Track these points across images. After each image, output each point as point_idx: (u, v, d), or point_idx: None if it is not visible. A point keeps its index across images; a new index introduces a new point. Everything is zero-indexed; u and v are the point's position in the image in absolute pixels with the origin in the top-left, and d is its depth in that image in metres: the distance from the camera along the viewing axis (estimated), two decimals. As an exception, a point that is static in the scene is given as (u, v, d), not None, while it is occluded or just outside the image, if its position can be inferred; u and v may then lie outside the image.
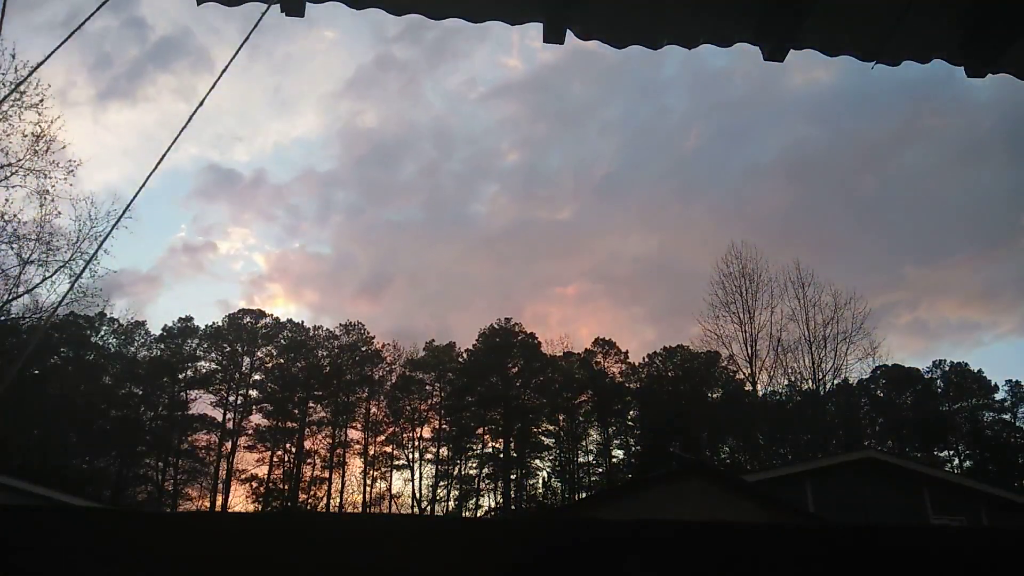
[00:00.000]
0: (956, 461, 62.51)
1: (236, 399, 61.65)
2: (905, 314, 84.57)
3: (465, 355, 66.60)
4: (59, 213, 26.77)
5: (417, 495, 59.86)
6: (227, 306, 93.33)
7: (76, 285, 25.71)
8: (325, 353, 65.36)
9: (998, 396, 63.96)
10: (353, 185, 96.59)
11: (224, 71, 2.79)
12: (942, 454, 62.74)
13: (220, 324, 63.77)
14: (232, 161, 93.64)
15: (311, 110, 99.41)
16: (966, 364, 65.53)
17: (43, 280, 26.39)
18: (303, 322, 67.27)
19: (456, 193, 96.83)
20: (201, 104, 2.89)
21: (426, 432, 63.73)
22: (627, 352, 67.80)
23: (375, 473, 62.19)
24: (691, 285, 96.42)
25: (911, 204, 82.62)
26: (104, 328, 57.38)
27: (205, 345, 63.14)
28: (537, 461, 63.87)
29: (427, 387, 64.95)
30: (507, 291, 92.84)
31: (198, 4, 2.24)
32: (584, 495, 57.26)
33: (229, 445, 59.37)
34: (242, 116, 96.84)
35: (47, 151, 25.23)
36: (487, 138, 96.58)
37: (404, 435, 62.75)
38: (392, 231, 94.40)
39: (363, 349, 65.66)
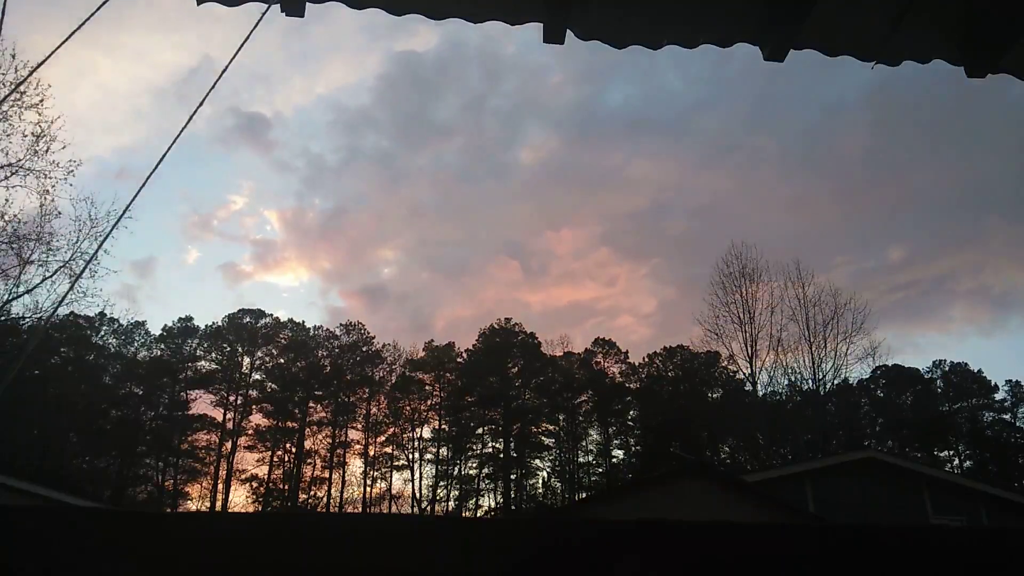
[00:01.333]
0: (956, 461, 62.53)
1: (236, 399, 61.68)
2: (968, 280, 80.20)
3: (465, 355, 66.62)
4: (59, 213, 26.77)
5: (417, 495, 59.88)
6: (236, 273, 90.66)
7: (76, 285, 25.69)
8: (325, 353, 65.38)
9: (998, 396, 64.02)
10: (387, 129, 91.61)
11: (224, 71, 2.79)
12: (942, 454, 62.77)
13: (220, 324, 63.83)
14: (255, 103, 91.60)
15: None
16: (966, 364, 65.62)
17: (43, 280, 26.40)
18: (303, 322, 67.40)
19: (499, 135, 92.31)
20: (201, 104, 2.89)
21: (426, 432, 63.84)
22: (627, 352, 67.93)
23: (375, 473, 62.26)
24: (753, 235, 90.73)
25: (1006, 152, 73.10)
26: (104, 328, 57.41)
27: (205, 345, 63.18)
28: (537, 461, 63.90)
29: (427, 387, 64.97)
30: (550, 240, 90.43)
31: (198, 4, 2.24)
32: (584, 495, 57.27)
33: (229, 445, 59.40)
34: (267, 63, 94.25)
35: (47, 151, 25.22)
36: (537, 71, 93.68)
37: (404, 435, 62.77)
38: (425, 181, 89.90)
39: (363, 349, 65.68)
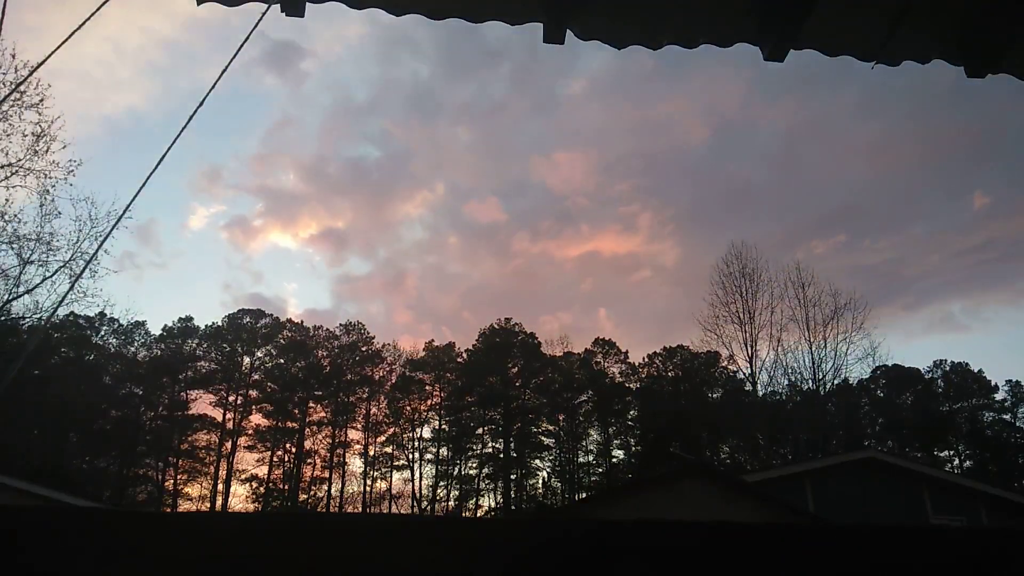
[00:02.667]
0: (956, 461, 62.55)
1: (236, 399, 61.67)
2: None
3: (465, 355, 66.62)
4: (59, 213, 26.78)
5: (417, 495, 59.87)
6: (248, 227, 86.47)
7: (76, 285, 25.69)
8: (325, 353, 65.37)
9: (998, 396, 64.06)
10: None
11: (224, 71, 2.79)
12: (942, 454, 62.79)
13: (220, 324, 63.85)
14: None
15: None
16: (966, 364, 65.64)
17: (43, 280, 26.40)
18: (303, 322, 67.40)
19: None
20: (201, 104, 2.90)
21: (426, 432, 63.84)
22: (627, 352, 67.94)
23: (375, 473, 62.26)
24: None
25: None
26: (104, 328, 57.42)
27: (205, 345, 63.18)
28: (537, 461, 63.90)
29: (427, 387, 64.97)
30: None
31: (198, 4, 2.24)
32: (584, 495, 57.27)
33: (229, 445, 59.41)
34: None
35: (47, 151, 25.21)
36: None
37: (404, 435, 62.77)
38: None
39: (363, 349, 65.69)
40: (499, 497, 62.32)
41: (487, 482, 63.03)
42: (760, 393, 44.27)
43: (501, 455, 62.33)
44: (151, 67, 79.62)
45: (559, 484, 63.20)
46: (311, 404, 62.97)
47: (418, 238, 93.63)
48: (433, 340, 66.90)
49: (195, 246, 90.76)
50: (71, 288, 28.93)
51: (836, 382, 44.74)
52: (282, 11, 2.30)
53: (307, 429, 61.95)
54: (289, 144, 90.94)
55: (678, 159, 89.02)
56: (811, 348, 42.52)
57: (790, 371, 43.11)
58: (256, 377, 63.26)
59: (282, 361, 63.92)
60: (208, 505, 57.24)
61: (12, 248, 25.86)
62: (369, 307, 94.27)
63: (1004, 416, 63.60)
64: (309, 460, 61.58)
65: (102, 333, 57.98)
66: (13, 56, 23.82)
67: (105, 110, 78.57)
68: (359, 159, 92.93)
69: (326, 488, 60.60)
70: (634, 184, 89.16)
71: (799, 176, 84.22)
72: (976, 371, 64.96)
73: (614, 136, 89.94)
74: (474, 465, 62.88)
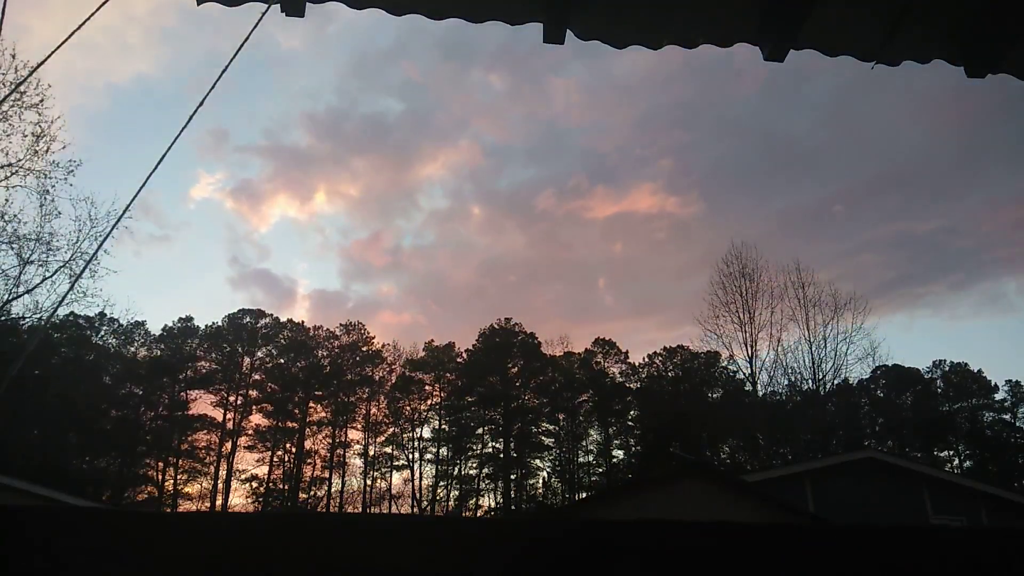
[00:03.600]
0: (956, 461, 62.54)
1: (236, 399, 61.66)
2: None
3: (465, 355, 66.61)
4: (59, 213, 26.77)
5: (417, 495, 59.86)
6: (256, 194, 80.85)
7: (76, 285, 25.68)
8: (325, 353, 65.38)
9: (998, 396, 64.05)
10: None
11: (224, 71, 2.79)
12: (942, 454, 62.79)
13: (220, 324, 63.83)
14: None
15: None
16: (966, 364, 65.64)
17: (43, 280, 26.39)
18: (303, 322, 67.39)
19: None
20: (201, 104, 2.89)
21: (426, 432, 63.84)
22: (627, 352, 67.93)
23: (375, 473, 62.25)
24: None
25: None
26: (104, 328, 57.40)
27: (205, 345, 63.16)
28: (537, 461, 63.90)
29: (427, 387, 64.98)
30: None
31: (198, 4, 2.24)
32: (584, 495, 57.26)
33: (229, 445, 59.40)
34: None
35: (47, 151, 25.21)
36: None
37: (404, 435, 62.76)
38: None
39: (363, 349, 65.69)
40: (499, 497, 62.33)
41: (487, 482, 63.04)
42: (760, 393, 44.27)
43: (501, 455, 62.33)
44: (162, 33, 76.63)
45: (559, 484, 63.20)
46: (311, 404, 62.97)
47: (438, 207, 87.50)
48: (433, 340, 66.98)
49: (200, 216, 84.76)
50: (71, 288, 28.94)
51: (836, 382, 44.76)
52: (282, 11, 2.30)
53: (307, 429, 61.95)
54: (302, 98, 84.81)
55: (723, 113, 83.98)
56: (811, 348, 42.54)
57: (790, 371, 43.13)
58: (256, 377, 63.26)
59: (282, 361, 63.92)
60: (208, 505, 57.25)
61: (12, 248, 25.87)
62: (381, 286, 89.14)
63: (1004, 416, 63.60)
64: (309, 460, 61.60)
65: (102, 333, 57.98)
66: (13, 56, 23.81)
67: (114, 78, 75.77)
68: (379, 115, 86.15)
69: (326, 488, 60.64)
70: (674, 139, 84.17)
71: (851, 135, 77.63)
72: (976, 371, 65.02)
73: (656, 86, 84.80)
74: (474, 465, 62.88)
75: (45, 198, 25.84)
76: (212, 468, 58.91)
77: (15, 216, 25.74)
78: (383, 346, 66.22)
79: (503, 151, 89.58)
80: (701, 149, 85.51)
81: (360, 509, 58.15)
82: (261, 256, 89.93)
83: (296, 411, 62.08)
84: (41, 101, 24.80)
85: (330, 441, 62.17)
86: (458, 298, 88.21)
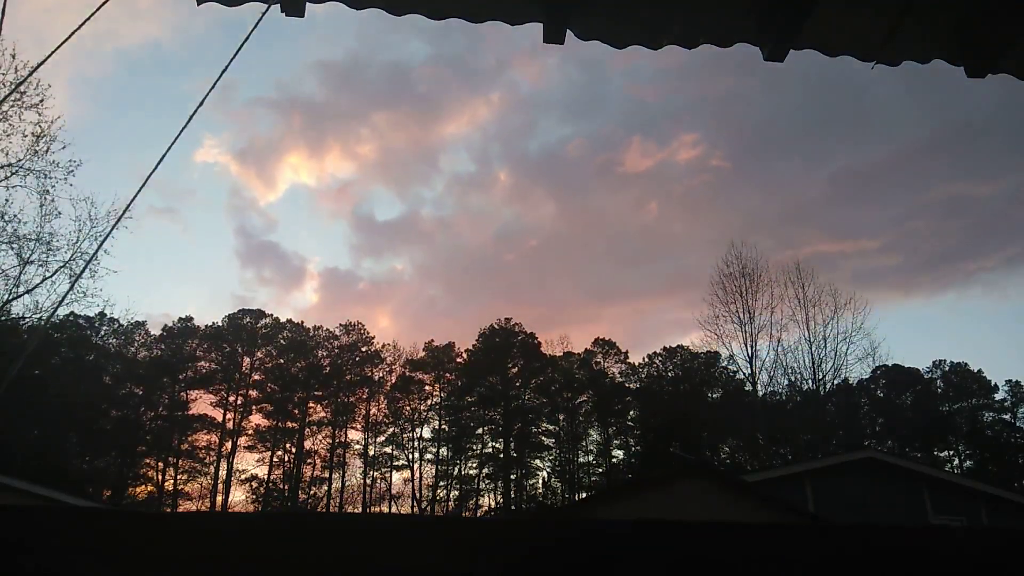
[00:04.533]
0: (956, 461, 62.53)
1: (236, 399, 61.68)
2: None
3: (465, 355, 66.63)
4: (59, 213, 26.77)
5: (417, 495, 59.87)
6: (264, 158, 74.37)
7: (76, 285, 25.68)
8: (325, 353, 65.40)
9: (998, 396, 64.04)
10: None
11: (224, 71, 2.79)
12: (942, 454, 62.78)
13: (220, 324, 63.86)
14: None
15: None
16: (966, 364, 65.64)
17: (43, 280, 26.39)
18: (303, 322, 67.41)
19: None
20: (201, 104, 2.90)
21: (426, 432, 63.85)
22: (627, 352, 67.94)
23: (375, 473, 62.26)
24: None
25: None
26: (104, 328, 57.40)
27: (205, 345, 63.17)
28: (537, 461, 63.91)
29: (427, 387, 65.00)
30: None
31: (198, 4, 2.24)
32: (584, 495, 57.25)
33: (229, 445, 59.42)
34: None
35: (47, 151, 25.20)
36: None
37: (404, 435, 62.78)
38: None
39: (363, 349, 65.71)
40: (499, 497, 62.33)
41: (487, 482, 63.05)
42: (760, 393, 44.28)
43: (501, 455, 62.33)
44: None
45: (559, 484, 63.21)
46: (311, 404, 62.99)
47: (461, 171, 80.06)
48: (433, 340, 67.00)
49: (204, 183, 78.59)
50: (71, 288, 28.93)
51: (836, 382, 44.78)
52: (282, 11, 2.30)
53: (307, 429, 61.97)
54: (319, 44, 77.08)
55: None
56: (811, 348, 42.55)
57: (790, 371, 43.15)
58: (256, 377, 63.28)
59: (282, 361, 63.92)
60: (208, 505, 57.25)
61: (12, 248, 25.87)
62: (395, 264, 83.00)
63: (1004, 416, 63.60)
64: (309, 460, 61.62)
65: (102, 333, 57.97)
66: (13, 56, 23.81)
67: (121, 43, 71.46)
68: (403, 62, 78.53)
69: (326, 488, 60.64)
70: (722, 86, 77.86)
71: (915, 88, 69.47)
72: (976, 371, 65.02)
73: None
74: (474, 465, 62.89)
75: (45, 198, 25.85)
76: (212, 468, 58.95)
77: (15, 216, 25.78)
78: (383, 346, 66.33)
79: (538, 103, 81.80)
80: (751, 101, 79.79)
81: (360, 509, 58.15)
82: (268, 227, 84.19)
83: (296, 411, 62.10)
84: (41, 101, 24.82)
85: (330, 441, 62.21)
86: (477, 275, 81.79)
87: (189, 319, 63.70)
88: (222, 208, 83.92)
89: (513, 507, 59.57)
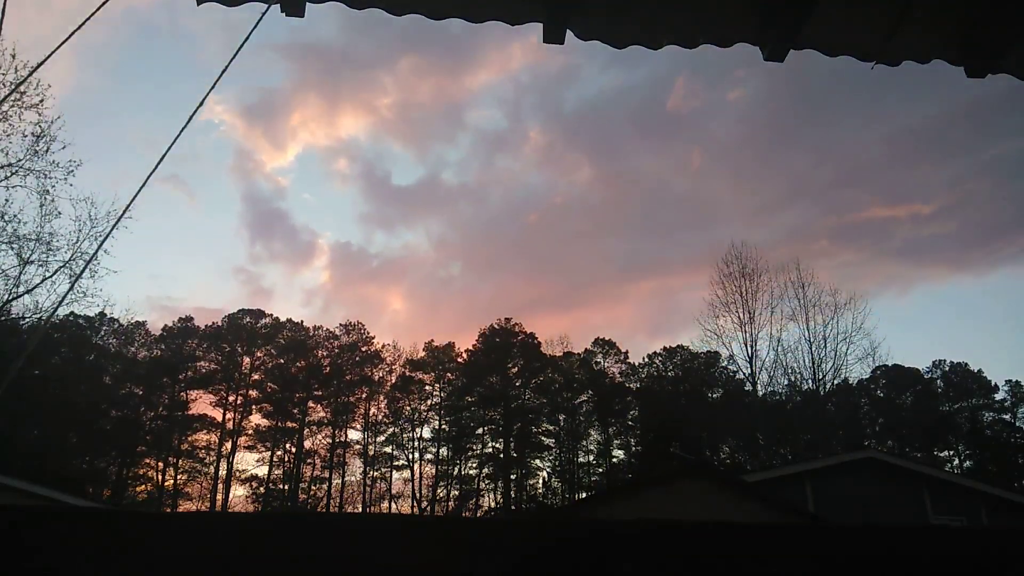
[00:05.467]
0: (956, 461, 62.53)
1: (236, 399, 61.67)
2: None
3: (465, 355, 66.63)
4: (59, 213, 26.78)
5: (417, 495, 59.87)
6: (269, 107, 70.64)
7: (76, 285, 25.69)
8: (325, 353, 65.39)
9: (998, 396, 64.03)
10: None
11: (224, 72, 2.79)
12: (942, 454, 62.77)
13: (220, 324, 63.86)
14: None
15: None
16: (966, 364, 65.62)
17: (43, 280, 26.40)
18: (303, 322, 67.41)
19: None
20: (201, 104, 2.89)
21: (426, 432, 63.85)
22: (627, 352, 67.93)
23: (375, 473, 62.24)
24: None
25: None
26: (104, 328, 57.38)
27: (205, 345, 63.15)
28: (537, 461, 63.88)
29: (427, 387, 64.99)
30: None
31: (198, 4, 2.24)
32: (584, 495, 57.24)
33: (229, 445, 59.41)
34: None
35: (47, 151, 25.21)
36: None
37: (404, 435, 62.78)
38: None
39: (363, 349, 65.70)
40: (499, 497, 62.30)
41: (487, 482, 63.02)
42: (760, 393, 44.30)
43: (501, 455, 62.31)
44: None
45: (559, 484, 63.20)
46: (311, 404, 62.98)
47: (487, 128, 73.38)
48: (433, 340, 67.00)
49: (209, 146, 75.13)
50: (71, 288, 28.94)
51: (836, 382, 44.80)
52: (282, 11, 2.30)
53: (307, 429, 61.96)
54: None
55: None
56: (811, 348, 42.57)
57: (790, 371, 43.17)
58: (256, 377, 63.27)
59: (282, 361, 63.91)
60: (208, 505, 57.24)
61: (12, 248, 25.88)
62: (409, 236, 77.25)
63: (1004, 416, 63.59)
64: (309, 460, 61.59)
65: (102, 333, 57.95)
66: (13, 56, 23.81)
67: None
68: None
69: (326, 488, 60.62)
70: None
71: None
72: (976, 371, 65.01)
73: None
74: (474, 465, 62.88)
75: (45, 198, 25.86)
76: (212, 468, 58.94)
77: (15, 216, 25.79)
78: (383, 346, 66.34)
79: (579, 45, 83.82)
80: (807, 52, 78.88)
81: (360, 509, 58.15)
82: (277, 195, 79.15)
83: (296, 411, 62.09)
84: (41, 101, 24.82)
85: (330, 441, 62.19)
86: (499, 247, 75.64)
87: (189, 319, 63.78)
88: (227, 172, 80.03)
89: (513, 507, 59.56)
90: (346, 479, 61.72)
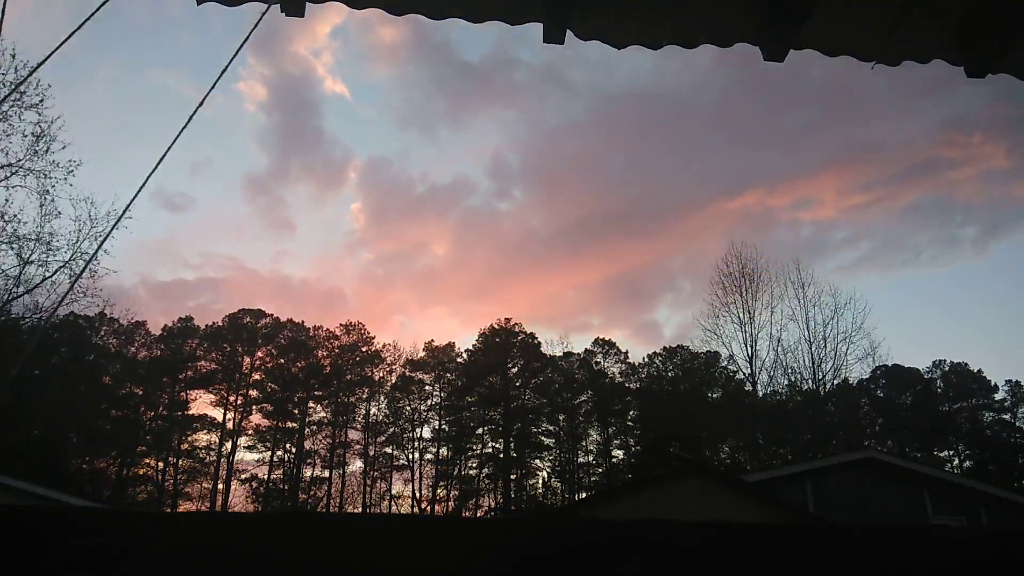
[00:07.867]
0: (956, 461, 62.55)
1: (236, 399, 61.67)
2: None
3: (465, 355, 66.66)
4: (59, 213, 26.80)
5: (417, 495, 59.89)
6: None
7: (76, 285, 25.68)
8: (325, 353, 65.41)
9: (998, 396, 64.06)
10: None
11: (223, 72, 2.79)
12: (942, 454, 62.79)
13: (220, 324, 63.86)
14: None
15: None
16: (966, 364, 65.65)
17: (43, 280, 26.40)
18: (303, 322, 67.41)
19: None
20: (201, 104, 2.89)
21: (426, 432, 63.87)
22: (627, 352, 67.93)
23: (375, 473, 62.26)
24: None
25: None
26: (104, 328, 57.37)
27: (205, 345, 63.17)
28: (537, 461, 63.91)
29: (427, 387, 65.02)
30: None
31: (198, 4, 2.24)
32: (584, 495, 57.26)
33: (229, 445, 59.43)
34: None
35: (47, 151, 25.22)
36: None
37: (404, 435, 62.79)
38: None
39: (363, 349, 65.71)
40: (499, 497, 62.30)
41: (487, 482, 63.03)
42: (760, 393, 44.32)
43: (501, 455, 62.33)
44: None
45: (559, 484, 63.21)
46: (311, 404, 63.00)
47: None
48: (433, 340, 67.05)
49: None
50: (71, 288, 28.93)
51: (836, 382, 44.82)
52: (282, 11, 2.30)
53: (307, 429, 61.98)
54: None
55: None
56: (811, 348, 42.59)
57: (790, 371, 43.19)
58: (256, 377, 63.29)
59: (282, 361, 63.93)
60: (208, 505, 57.25)
61: (12, 248, 25.89)
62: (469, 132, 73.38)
63: (1004, 416, 63.61)
64: (309, 460, 61.62)
65: (102, 333, 57.95)
66: (13, 56, 23.82)
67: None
68: None
69: (326, 488, 60.62)
70: None
71: None
72: (976, 371, 65.01)
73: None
74: (474, 465, 62.89)
75: (45, 198, 25.87)
76: (212, 468, 58.93)
77: (15, 216, 25.80)
78: (383, 346, 66.37)
79: None
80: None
81: (360, 509, 58.16)
82: (304, 78, 74.58)
83: (296, 411, 62.12)
84: (41, 101, 24.85)
85: (330, 441, 62.19)
86: (575, 153, 71.19)
87: (189, 319, 63.77)
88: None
89: (513, 507, 59.57)
90: (346, 479, 61.77)
